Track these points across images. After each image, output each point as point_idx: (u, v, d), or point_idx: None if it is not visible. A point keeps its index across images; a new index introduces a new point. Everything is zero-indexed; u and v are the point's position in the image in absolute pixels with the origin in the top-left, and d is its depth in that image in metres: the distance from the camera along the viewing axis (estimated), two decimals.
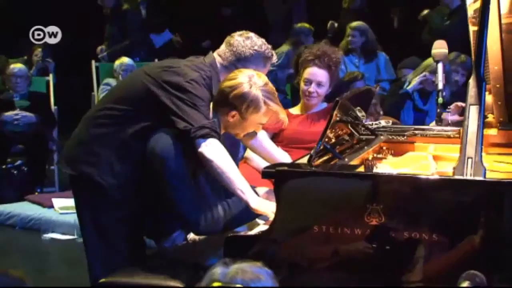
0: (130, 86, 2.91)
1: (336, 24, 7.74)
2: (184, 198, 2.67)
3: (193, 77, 2.76)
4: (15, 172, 6.08)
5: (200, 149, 2.64)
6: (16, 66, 6.52)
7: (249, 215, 2.72)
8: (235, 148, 3.15)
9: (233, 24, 8.07)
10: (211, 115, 2.79)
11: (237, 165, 3.14)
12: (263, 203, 2.66)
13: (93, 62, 7.34)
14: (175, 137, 2.68)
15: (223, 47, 3.00)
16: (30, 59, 7.29)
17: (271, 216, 2.57)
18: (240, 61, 2.93)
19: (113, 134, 2.82)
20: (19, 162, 6.14)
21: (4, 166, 6.08)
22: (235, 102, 2.74)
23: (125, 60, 6.73)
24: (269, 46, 3.02)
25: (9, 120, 6.29)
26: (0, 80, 6.70)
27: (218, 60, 2.97)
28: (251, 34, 3.00)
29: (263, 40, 3.01)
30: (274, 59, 3.06)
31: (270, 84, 2.84)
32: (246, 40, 2.96)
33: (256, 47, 2.95)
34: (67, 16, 8.08)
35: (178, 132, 2.68)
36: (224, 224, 2.71)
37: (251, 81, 2.75)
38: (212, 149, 2.64)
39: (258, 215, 2.73)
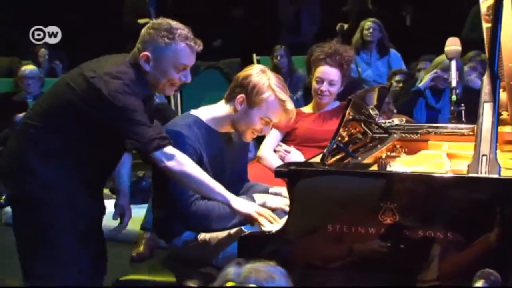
0: (56, 98, 2.70)
1: (345, 26, 7.75)
2: (180, 190, 2.67)
3: (115, 87, 2.55)
4: None
5: (161, 164, 2.55)
6: (27, 68, 6.55)
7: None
8: (245, 147, 3.12)
9: (244, 24, 8.13)
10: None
11: (244, 171, 3.11)
12: (245, 204, 2.63)
13: None
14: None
15: None
16: (36, 60, 7.29)
17: (256, 217, 2.56)
18: (140, 41, 2.68)
19: (49, 146, 2.66)
20: None
21: None
22: (242, 83, 2.75)
23: None
24: (178, 29, 2.65)
25: None
26: (13, 82, 6.75)
27: (135, 52, 2.70)
28: (163, 18, 2.73)
29: (175, 23, 2.68)
30: (191, 42, 2.66)
31: (282, 81, 2.83)
32: (154, 21, 2.73)
33: (155, 25, 2.67)
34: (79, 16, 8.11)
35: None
36: (232, 222, 2.69)
37: (263, 70, 2.79)
38: (173, 160, 2.54)
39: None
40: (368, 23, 6.53)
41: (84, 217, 2.73)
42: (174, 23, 2.68)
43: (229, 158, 2.90)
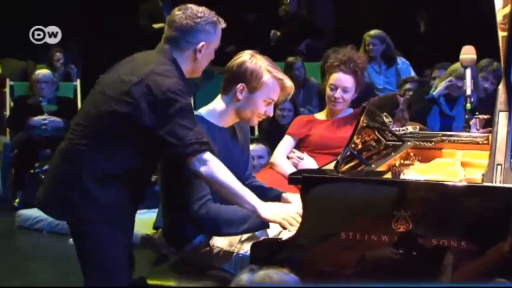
0: (99, 111, 2.65)
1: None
2: (193, 192, 2.68)
3: (169, 87, 2.56)
4: (43, 176, 6.13)
5: (194, 168, 2.56)
6: (41, 72, 6.60)
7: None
8: (248, 140, 3.13)
9: (257, 29, 8.15)
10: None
11: (246, 165, 3.11)
12: (273, 211, 2.59)
13: None
14: None
15: (166, 29, 2.78)
16: (51, 65, 7.35)
17: (284, 224, 2.54)
18: (188, 34, 2.72)
19: (100, 170, 2.63)
20: (46, 166, 6.19)
21: (32, 171, 6.16)
22: (239, 73, 2.78)
23: None
24: (212, 12, 2.79)
25: (37, 125, 6.37)
26: (28, 85, 6.80)
27: (168, 45, 2.74)
28: (189, 5, 2.79)
29: (204, 7, 2.79)
30: (223, 23, 2.81)
31: (271, 61, 2.87)
32: (186, 11, 2.74)
33: (199, 14, 2.74)
34: (92, 22, 8.15)
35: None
36: (242, 228, 2.68)
37: (253, 54, 2.83)
38: (207, 167, 2.56)
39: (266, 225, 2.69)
40: (368, 39, 6.51)
41: (130, 234, 2.78)
42: (204, 8, 2.78)
43: (235, 152, 2.91)
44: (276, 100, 2.86)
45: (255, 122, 2.93)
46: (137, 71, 2.62)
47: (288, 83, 2.84)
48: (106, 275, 2.68)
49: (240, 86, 2.79)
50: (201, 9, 2.76)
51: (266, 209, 2.58)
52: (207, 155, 2.57)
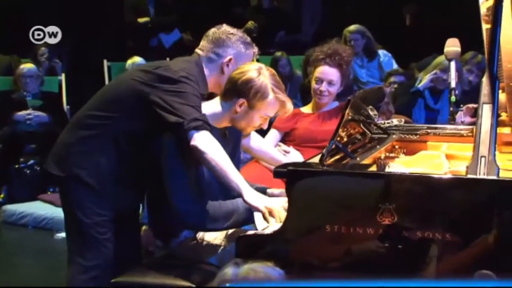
0: (118, 88, 2.90)
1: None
2: (178, 186, 2.68)
3: (183, 74, 2.76)
4: (27, 171, 6.11)
5: (193, 142, 2.62)
6: (26, 66, 6.55)
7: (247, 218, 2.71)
8: (238, 141, 3.13)
9: (244, 23, 8.14)
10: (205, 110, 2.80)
11: (237, 165, 3.12)
12: (257, 197, 2.64)
13: (105, 61, 7.35)
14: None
15: (201, 42, 3.03)
16: (35, 59, 7.29)
17: (264, 212, 2.56)
18: (219, 46, 2.95)
19: (101, 136, 2.83)
20: (31, 161, 6.16)
21: (16, 166, 6.11)
22: (243, 89, 2.75)
23: (137, 59, 6.72)
24: (247, 35, 3.05)
25: (22, 119, 6.32)
26: (12, 80, 6.75)
27: (200, 54, 2.98)
28: (224, 25, 3.04)
29: (239, 30, 3.06)
30: (256, 49, 3.04)
31: (277, 77, 2.85)
32: (220, 28, 3.01)
33: (231, 31, 2.99)
34: (77, 16, 8.10)
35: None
36: (227, 224, 2.69)
37: (260, 70, 2.79)
38: (205, 142, 2.63)
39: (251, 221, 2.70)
40: (348, 35, 6.44)
41: (111, 206, 2.86)
42: (239, 30, 3.05)
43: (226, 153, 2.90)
44: (272, 116, 2.87)
45: (248, 131, 2.94)
46: (163, 62, 2.94)
47: (289, 105, 2.82)
48: (79, 241, 2.85)
49: (241, 101, 2.76)
50: (234, 29, 3.01)
51: (251, 194, 2.62)
52: (207, 134, 2.65)
